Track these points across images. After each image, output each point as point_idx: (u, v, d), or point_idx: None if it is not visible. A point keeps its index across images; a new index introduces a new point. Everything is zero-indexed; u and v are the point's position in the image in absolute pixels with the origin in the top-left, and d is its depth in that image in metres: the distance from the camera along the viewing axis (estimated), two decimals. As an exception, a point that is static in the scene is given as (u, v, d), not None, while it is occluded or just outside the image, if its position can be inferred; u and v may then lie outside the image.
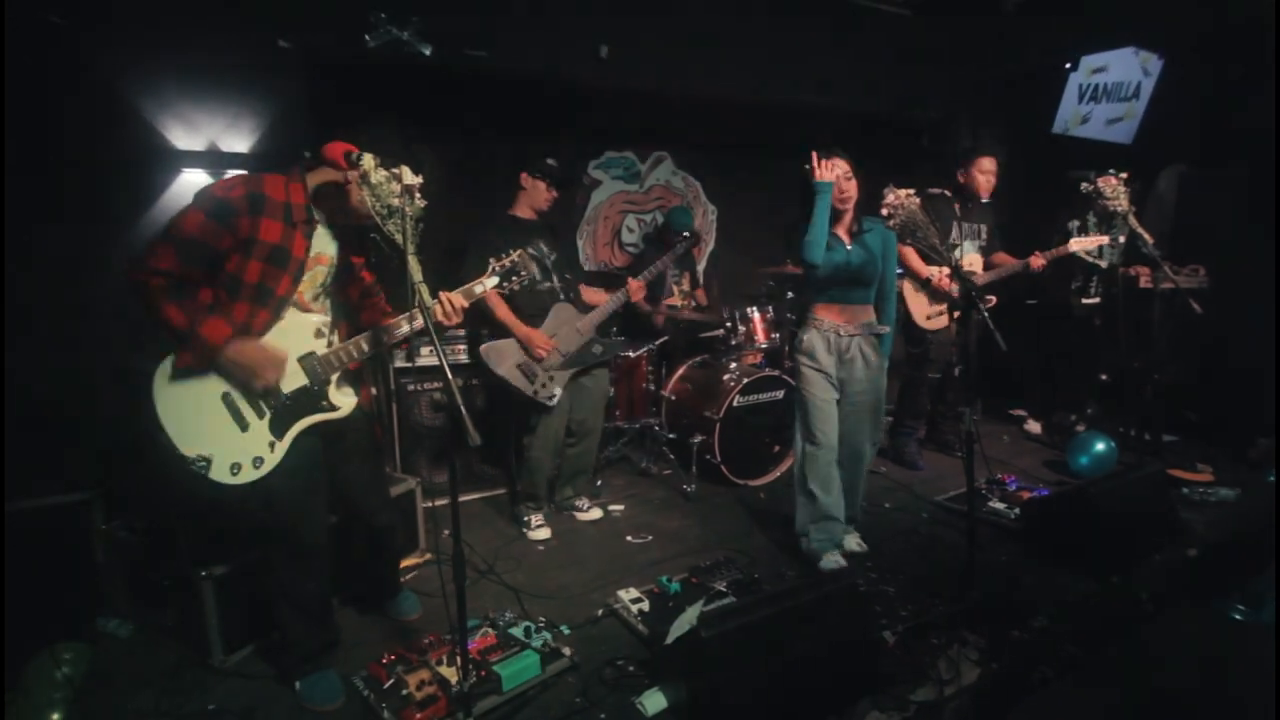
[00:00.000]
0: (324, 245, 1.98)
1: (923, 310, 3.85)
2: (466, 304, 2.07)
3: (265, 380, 1.86)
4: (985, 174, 3.79)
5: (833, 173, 2.60)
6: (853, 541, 2.95)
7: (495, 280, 2.17)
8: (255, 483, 1.89)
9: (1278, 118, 4.14)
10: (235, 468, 1.87)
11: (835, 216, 2.69)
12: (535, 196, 3.13)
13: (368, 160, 1.75)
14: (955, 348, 3.93)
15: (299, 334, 1.97)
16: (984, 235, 3.92)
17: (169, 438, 1.82)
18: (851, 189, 2.66)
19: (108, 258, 2.73)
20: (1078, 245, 3.73)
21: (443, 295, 2.03)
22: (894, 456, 4.11)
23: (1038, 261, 3.75)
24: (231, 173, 2.48)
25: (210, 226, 1.78)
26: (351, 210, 1.92)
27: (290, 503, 1.97)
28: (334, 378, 2.03)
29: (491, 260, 2.21)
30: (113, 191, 2.87)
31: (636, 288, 3.27)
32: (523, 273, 2.21)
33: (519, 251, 2.24)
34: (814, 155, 2.61)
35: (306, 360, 1.97)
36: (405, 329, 2.02)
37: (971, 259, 3.86)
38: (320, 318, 2.02)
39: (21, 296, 2.66)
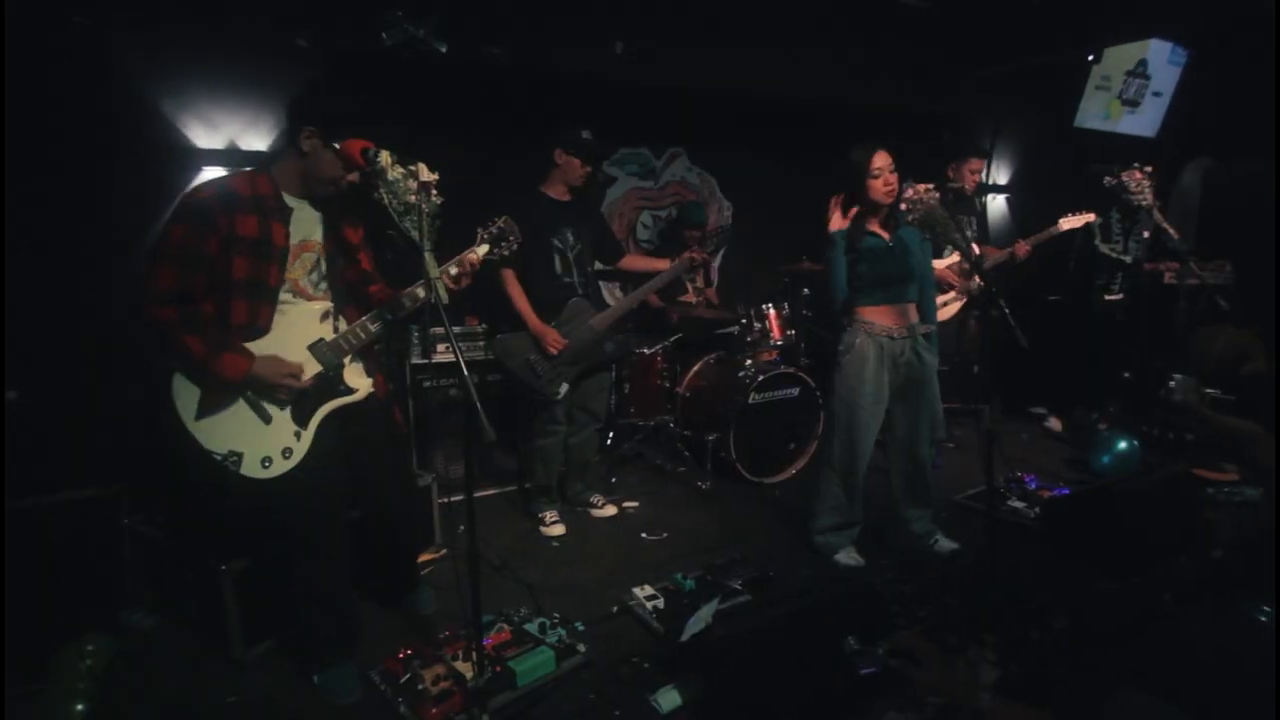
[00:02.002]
0: (309, 231, 2.00)
1: None
2: (455, 271, 2.07)
3: (286, 389, 1.92)
4: (974, 173, 3.86)
5: (845, 221, 2.64)
6: (946, 544, 2.91)
7: (486, 248, 2.14)
8: (283, 475, 1.92)
9: (1277, 115, 4.05)
10: (266, 461, 1.90)
11: (875, 209, 2.67)
12: (570, 173, 3.05)
13: (385, 157, 1.76)
14: (969, 344, 3.89)
15: (305, 322, 1.99)
16: (974, 227, 3.94)
17: (194, 438, 1.84)
18: (895, 181, 2.60)
19: (130, 255, 2.76)
20: (1067, 224, 3.70)
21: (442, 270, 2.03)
22: None
23: (1022, 249, 3.73)
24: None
25: (194, 232, 1.82)
26: (316, 182, 1.94)
27: (313, 495, 1.98)
28: (347, 361, 2.05)
29: (479, 229, 2.17)
30: (135, 190, 2.91)
31: (700, 256, 3.14)
32: (511, 237, 2.18)
33: (504, 217, 2.20)
34: (831, 201, 2.61)
35: (317, 347, 1.99)
36: (408, 304, 2.03)
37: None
38: (324, 304, 2.03)
39: (50, 294, 2.71)
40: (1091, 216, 3.78)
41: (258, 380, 1.87)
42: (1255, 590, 2.52)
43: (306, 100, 1.95)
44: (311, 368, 1.98)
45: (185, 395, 1.86)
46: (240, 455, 1.87)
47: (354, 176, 1.92)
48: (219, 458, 1.85)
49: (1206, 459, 3.79)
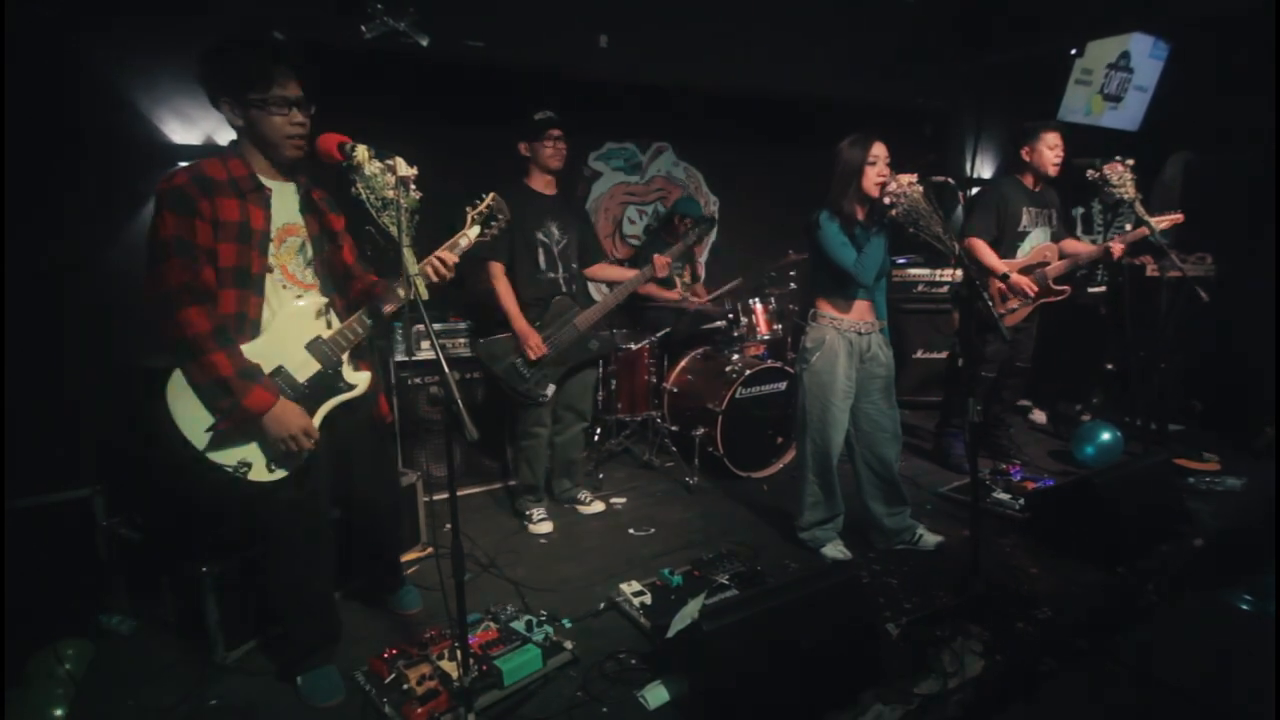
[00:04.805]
0: (290, 215, 1.93)
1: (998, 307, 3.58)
2: (455, 259, 2.01)
3: (298, 445, 1.83)
4: (1053, 149, 3.48)
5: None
6: (931, 539, 2.89)
7: (477, 229, 2.09)
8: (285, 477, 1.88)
9: (1277, 112, 4.09)
10: (272, 465, 1.86)
11: (863, 201, 2.63)
12: (541, 157, 2.99)
13: (361, 151, 1.72)
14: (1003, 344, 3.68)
15: (300, 320, 1.93)
16: (1054, 220, 3.65)
17: (201, 452, 1.78)
18: (888, 174, 2.55)
19: (105, 253, 2.72)
20: (1159, 223, 3.36)
21: (430, 259, 1.97)
22: (939, 459, 3.93)
23: (1118, 248, 3.39)
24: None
25: (182, 221, 1.72)
26: (271, 147, 1.84)
27: (302, 493, 1.94)
28: (344, 357, 2.00)
29: (467, 209, 2.12)
30: (109, 187, 2.86)
31: (663, 264, 3.09)
32: (501, 216, 2.14)
33: (491, 195, 2.15)
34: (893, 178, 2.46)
35: (314, 346, 1.93)
36: (402, 293, 1.95)
37: (1046, 248, 3.58)
38: (317, 298, 1.97)
39: (20, 293, 2.66)
40: (1179, 217, 3.45)
41: (274, 423, 1.78)
42: (1236, 578, 2.55)
43: (206, 78, 1.81)
44: (311, 366, 1.93)
45: (182, 404, 1.78)
46: (250, 464, 1.82)
47: (300, 119, 1.82)
48: (229, 469, 1.80)
49: (1188, 449, 3.84)
